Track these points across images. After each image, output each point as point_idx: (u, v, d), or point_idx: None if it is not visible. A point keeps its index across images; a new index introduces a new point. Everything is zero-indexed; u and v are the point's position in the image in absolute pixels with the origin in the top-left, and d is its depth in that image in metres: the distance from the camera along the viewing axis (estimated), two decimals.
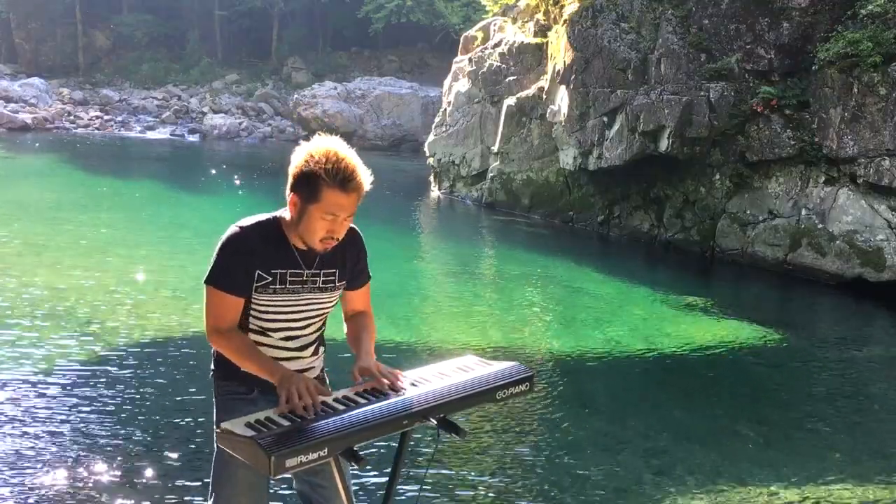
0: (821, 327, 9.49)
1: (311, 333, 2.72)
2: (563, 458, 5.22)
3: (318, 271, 2.61)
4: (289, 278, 2.56)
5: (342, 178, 2.41)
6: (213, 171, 20.80)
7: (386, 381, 2.55)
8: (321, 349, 2.81)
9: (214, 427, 2.71)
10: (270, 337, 2.64)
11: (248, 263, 2.51)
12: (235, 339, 2.57)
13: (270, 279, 2.54)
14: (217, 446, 2.70)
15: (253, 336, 2.62)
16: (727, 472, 5.09)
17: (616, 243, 13.64)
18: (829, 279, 10.77)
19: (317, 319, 2.71)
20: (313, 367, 2.77)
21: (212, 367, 2.75)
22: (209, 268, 2.56)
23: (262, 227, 2.56)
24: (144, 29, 38.71)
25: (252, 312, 2.60)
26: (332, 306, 2.74)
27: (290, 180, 2.49)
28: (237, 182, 18.44)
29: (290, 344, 2.67)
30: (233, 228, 2.56)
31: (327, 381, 2.88)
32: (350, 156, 2.46)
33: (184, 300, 8.16)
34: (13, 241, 10.74)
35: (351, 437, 2.28)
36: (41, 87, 31.19)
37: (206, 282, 2.56)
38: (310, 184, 2.43)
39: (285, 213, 2.57)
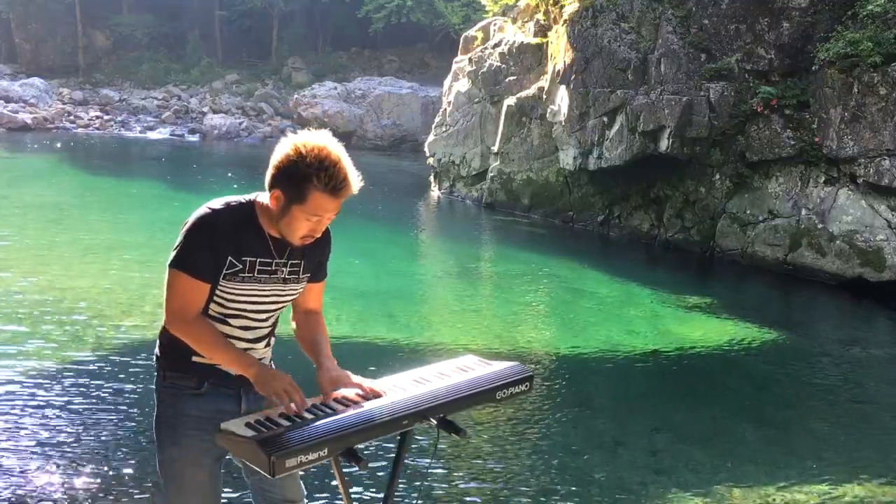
0: (821, 327, 9.49)
1: (268, 326, 2.65)
2: (564, 458, 5.22)
3: (286, 262, 2.51)
4: (258, 267, 2.46)
5: (334, 184, 2.31)
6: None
7: (359, 391, 2.48)
8: (272, 341, 2.73)
9: (154, 419, 2.61)
10: (229, 325, 2.53)
11: (219, 249, 2.39)
12: (202, 328, 2.44)
13: (240, 266, 2.43)
14: (156, 445, 2.61)
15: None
16: (727, 472, 5.09)
17: (616, 243, 13.64)
18: (829, 279, 10.77)
19: (276, 311, 2.63)
20: (264, 359, 2.69)
21: (156, 353, 2.60)
22: (176, 251, 2.41)
23: (235, 211, 2.44)
24: (144, 29, 38.69)
25: (216, 299, 2.47)
26: (292, 299, 2.65)
27: (272, 172, 2.36)
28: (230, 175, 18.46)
29: (247, 335, 2.58)
30: (203, 210, 2.43)
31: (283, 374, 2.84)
32: (342, 158, 2.34)
33: None
34: (13, 241, 10.74)
35: (351, 437, 2.28)
36: (41, 87, 31.18)
37: (172, 265, 2.41)
38: (298, 185, 2.32)
39: (261, 197, 2.46)
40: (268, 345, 2.70)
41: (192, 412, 2.52)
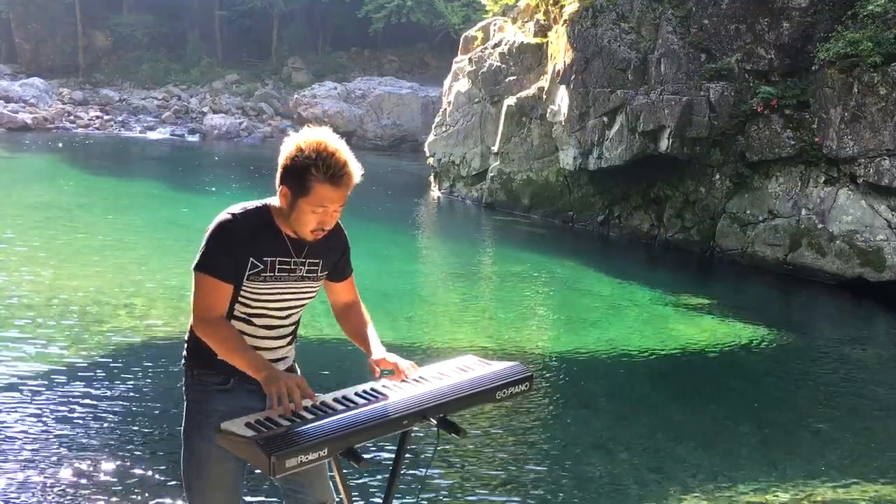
0: (821, 327, 9.49)
1: (290, 325, 2.73)
2: (563, 458, 5.22)
3: (304, 260, 2.61)
4: (278, 266, 2.56)
5: (332, 173, 2.41)
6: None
7: (405, 373, 2.61)
8: (294, 341, 2.82)
9: (184, 417, 2.68)
10: (253, 325, 2.62)
11: (240, 251, 2.49)
12: (224, 330, 2.53)
13: (262, 266, 2.53)
14: (183, 441, 2.67)
15: (235, 323, 2.60)
16: (727, 472, 5.09)
17: (616, 243, 13.64)
18: (829, 279, 10.77)
19: (297, 310, 2.71)
20: (286, 358, 2.76)
21: (184, 353, 2.69)
22: (199, 255, 2.52)
23: (253, 214, 2.55)
24: (144, 29, 38.70)
25: (241, 300, 2.57)
26: (312, 297, 2.73)
27: (279, 171, 2.49)
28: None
29: (270, 333, 2.66)
30: (223, 215, 2.54)
31: (298, 373, 2.86)
32: (340, 149, 2.45)
33: (184, 300, 8.15)
34: (13, 242, 10.74)
35: (351, 437, 2.28)
36: (41, 87, 31.18)
37: (195, 269, 2.51)
38: (300, 178, 2.43)
39: (274, 200, 2.57)
40: (290, 343, 2.78)
41: (219, 407, 2.57)
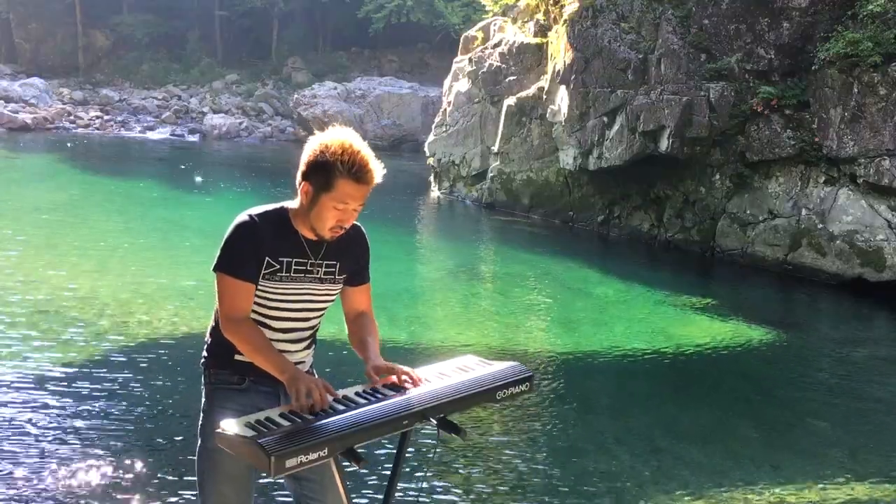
0: (821, 327, 9.49)
1: (308, 329, 2.74)
2: (563, 458, 5.22)
3: (321, 262, 2.64)
4: (294, 266, 2.60)
5: (357, 169, 2.47)
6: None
7: (404, 375, 2.57)
8: (313, 346, 2.84)
9: (201, 415, 2.73)
10: (271, 328, 2.65)
11: (257, 250, 2.54)
12: (249, 330, 2.57)
13: (278, 266, 2.57)
14: (199, 438, 2.71)
15: None
16: (727, 472, 5.09)
17: (616, 243, 13.64)
18: (829, 279, 10.77)
19: (315, 313, 2.73)
20: (304, 363, 2.78)
21: (203, 354, 2.75)
22: (218, 255, 2.56)
23: (270, 215, 2.60)
24: (144, 29, 38.66)
25: (257, 300, 2.60)
26: (331, 301, 2.76)
27: (302, 168, 2.54)
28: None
29: (289, 336, 2.69)
30: (242, 216, 2.58)
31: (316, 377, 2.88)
32: (364, 148, 2.52)
33: (184, 300, 8.15)
34: (14, 242, 10.74)
35: (351, 437, 2.28)
36: (41, 87, 31.15)
37: (216, 269, 2.56)
38: (324, 173, 2.48)
39: (290, 203, 2.62)
40: (308, 347, 2.80)
41: (233, 406, 2.62)
